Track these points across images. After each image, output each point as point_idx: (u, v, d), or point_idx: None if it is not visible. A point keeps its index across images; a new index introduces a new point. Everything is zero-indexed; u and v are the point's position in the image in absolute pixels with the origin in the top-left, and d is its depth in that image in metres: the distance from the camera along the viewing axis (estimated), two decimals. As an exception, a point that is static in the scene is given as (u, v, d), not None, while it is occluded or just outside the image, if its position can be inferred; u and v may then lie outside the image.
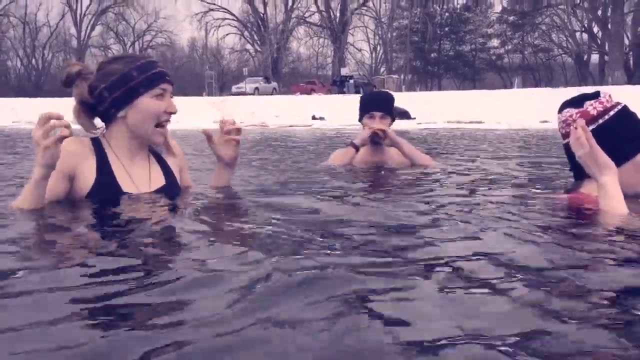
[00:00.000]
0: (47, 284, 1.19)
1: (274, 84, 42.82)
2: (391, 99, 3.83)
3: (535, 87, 37.66)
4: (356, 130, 14.05)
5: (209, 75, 44.22)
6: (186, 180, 2.40)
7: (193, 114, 20.21)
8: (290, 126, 18.45)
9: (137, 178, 2.13)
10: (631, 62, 44.35)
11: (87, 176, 2.03)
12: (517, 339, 0.92)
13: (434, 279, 1.23)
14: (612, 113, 1.92)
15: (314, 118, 21.40)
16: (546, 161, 4.71)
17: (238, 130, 2.31)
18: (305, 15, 55.13)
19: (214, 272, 1.25)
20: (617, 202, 1.75)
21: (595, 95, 1.98)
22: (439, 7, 57.08)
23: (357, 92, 36.21)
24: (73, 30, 57.26)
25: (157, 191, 2.16)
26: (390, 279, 1.22)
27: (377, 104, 3.73)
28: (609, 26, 41.34)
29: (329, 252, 1.44)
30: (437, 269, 1.32)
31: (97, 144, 2.11)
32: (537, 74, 52.59)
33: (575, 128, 1.82)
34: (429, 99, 25.91)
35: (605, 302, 1.09)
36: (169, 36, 60.47)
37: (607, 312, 1.04)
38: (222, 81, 53.47)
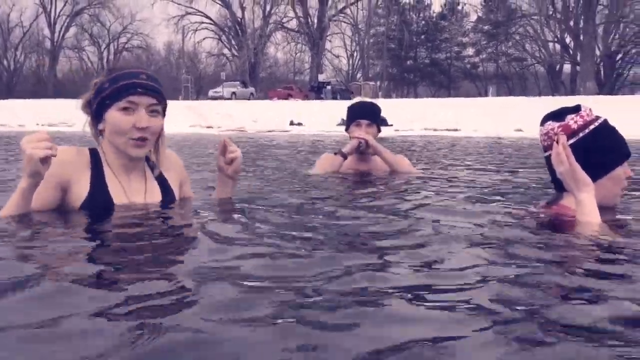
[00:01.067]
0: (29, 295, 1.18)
1: (251, 89, 42.70)
2: (377, 109, 3.92)
3: (509, 96, 38.24)
4: (333, 136, 14.00)
5: (186, 79, 43.90)
6: (186, 192, 2.34)
7: (169, 118, 20.03)
8: (269, 131, 18.43)
9: (132, 192, 2.08)
10: (602, 72, 45.33)
11: (81, 188, 1.99)
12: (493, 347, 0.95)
13: (416, 288, 1.26)
14: (592, 127, 1.98)
15: (291, 124, 21.41)
16: (526, 170, 4.80)
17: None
18: (283, 21, 55.15)
19: (195, 282, 1.25)
20: (593, 219, 1.81)
21: (577, 109, 2.03)
22: (416, 15, 57.70)
23: (334, 98, 36.32)
24: (47, 31, 56.40)
25: (152, 206, 2.10)
26: (380, 280, 1.25)
27: (363, 113, 3.82)
28: (581, 37, 42.23)
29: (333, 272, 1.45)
30: (418, 278, 1.35)
31: (95, 157, 2.07)
32: (511, 83, 53.39)
33: (557, 143, 1.87)
34: (406, 106, 26.13)
35: (582, 309, 1.13)
36: (145, 39, 59.94)
37: (584, 322, 1.07)
38: (199, 85, 53.18)
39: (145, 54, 60.66)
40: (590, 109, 2.04)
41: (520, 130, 18.23)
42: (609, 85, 44.22)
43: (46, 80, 54.71)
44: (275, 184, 3.45)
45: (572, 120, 1.99)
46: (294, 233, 1.77)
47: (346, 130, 3.91)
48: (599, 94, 35.28)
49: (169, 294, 1.17)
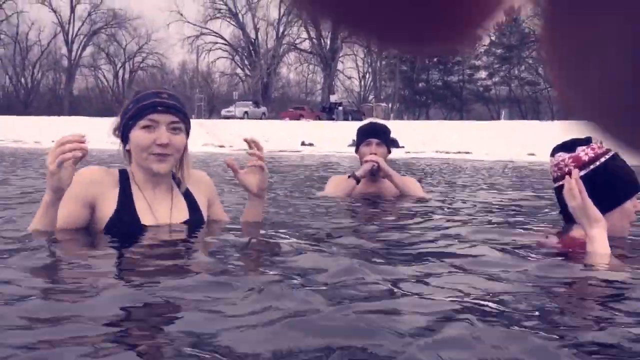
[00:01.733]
0: (49, 310, 1.18)
1: (264, 109, 42.98)
2: (387, 130, 3.90)
3: (522, 120, 38.18)
4: (344, 156, 13.98)
5: (199, 99, 44.32)
6: (217, 213, 2.35)
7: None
8: (280, 151, 18.48)
9: (158, 211, 2.11)
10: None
11: (108, 206, 2.03)
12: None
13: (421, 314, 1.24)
14: (603, 159, 1.96)
15: (303, 144, 21.46)
16: (539, 197, 4.76)
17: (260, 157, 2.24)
18: (296, 42, 55.76)
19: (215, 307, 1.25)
20: (603, 256, 1.79)
21: (587, 141, 2.02)
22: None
23: (345, 119, 36.43)
24: (64, 50, 57.29)
25: (178, 226, 2.13)
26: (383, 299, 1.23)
27: (373, 132, 3.82)
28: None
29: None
30: (424, 305, 1.33)
31: (123, 176, 2.12)
32: (523, 107, 53.32)
33: (570, 176, 1.85)
34: (418, 127, 26.14)
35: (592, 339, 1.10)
36: (160, 58, 60.68)
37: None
38: (212, 104, 53.63)
39: (160, 73, 61.37)
40: (601, 142, 2.02)
41: (532, 154, 18.13)
42: (623, 110, 43.99)
43: (62, 98, 55.47)
44: (287, 205, 3.44)
45: (583, 152, 1.98)
46: (306, 258, 1.76)
47: (356, 151, 3.89)
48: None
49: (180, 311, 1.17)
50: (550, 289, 1.50)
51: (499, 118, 41.48)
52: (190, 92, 54.83)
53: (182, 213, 2.17)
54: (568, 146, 2.03)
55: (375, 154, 3.70)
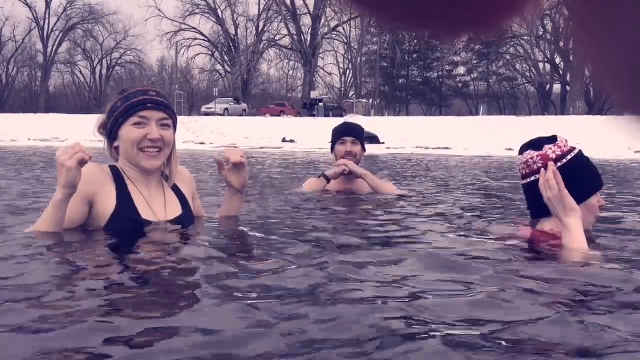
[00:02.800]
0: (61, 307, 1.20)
1: (244, 105, 42.81)
2: (361, 128, 4.01)
3: (500, 115, 38.61)
4: (326, 153, 14.03)
5: (179, 95, 43.99)
6: (198, 208, 2.41)
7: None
8: (261, 148, 18.47)
9: (155, 206, 2.16)
10: (592, 93, 45.87)
11: (108, 203, 2.05)
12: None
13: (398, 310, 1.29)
14: (569, 157, 2.04)
15: (284, 140, 21.47)
16: (513, 191, 4.85)
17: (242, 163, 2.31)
18: (276, 38, 55.54)
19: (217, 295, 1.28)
20: (580, 242, 1.86)
21: (553, 139, 2.10)
22: (408, 34, 58.30)
23: (326, 115, 36.46)
24: (40, 46, 56.38)
25: (174, 221, 2.19)
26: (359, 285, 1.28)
27: (348, 131, 3.93)
28: (571, 58, 42.79)
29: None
30: (399, 299, 1.37)
31: (116, 172, 2.14)
32: (501, 102, 53.88)
33: (546, 170, 1.93)
34: (398, 123, 26.30)
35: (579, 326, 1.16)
36: (138, 54, 60.04)
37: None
38: (192, 101, 53.27)
39: (139, 70, 60.78)
40: (566, 140, 2.11)
41: (510, 149, 18.36)
42: (599, 105, 44.73)
43: (38, 95, 54.63)
44: (268, 203, 3.49)
45: (550, 150, 2.06)
46: (289, 250, 1.80)
47: (332, 151, 4.01)
48: (588, 114, 35.69)
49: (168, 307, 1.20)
50: (525, 279, 1.56)
51: (477, 113, 41.86)
52: (169, 89, 54.39)
53: (176, 208, 2.23)
54: (535, 144, 2.11)
55: (351, 151, 3.82)
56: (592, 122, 22.07)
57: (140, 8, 62.50)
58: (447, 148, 19.58)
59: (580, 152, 2.09)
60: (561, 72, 47.77)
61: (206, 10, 54.63)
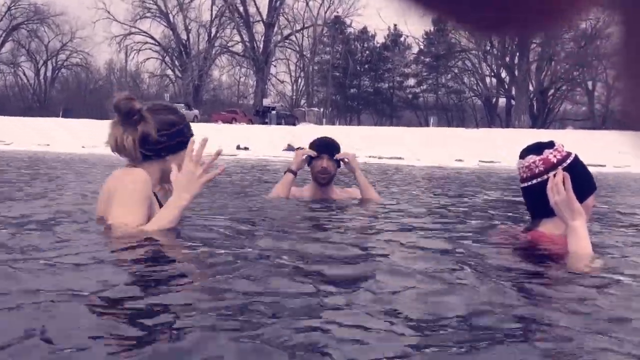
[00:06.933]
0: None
1: (196, 112, 42.30)
2: (338, 145, 4.05)
3: (449, 127, 39.55)
4: (280, 160, 13.95)
5: (127, 99, 43.00)
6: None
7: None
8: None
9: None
10: (535, 107, 47.62)
11: (154, 206, 2.29)
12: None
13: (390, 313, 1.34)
14: (568, 161, 2.17)
15: (238, 148, 21.35)
16: (482, 199, 5.02)
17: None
18: (228, 45, 55.21)
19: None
20: (586, 244, 1.98)
21: (551, 144, 2.22)
22: (360, 45, 59.04)
23: (279, 123, 36.46)
24: (-19, 45, 54.10)
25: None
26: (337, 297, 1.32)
27: (323, 148, 3.96)
28: (516, 73, 44.33)
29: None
30: (397, 303, 1.43)
31: None
32: (450, 114, 55.19)
33: (554, 176, 2.05)
34: (351, 133, 26.55)
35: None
36: (85, 57, 58.45)
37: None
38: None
39: (85, 72, 59.22)
40: (562, 145, 2.23)
41: (460, 160, 18.87)
42: (542, 119, 46.46)
43: (-22, 95, 52.39)
44: (233, 209, 3.47)
45: (551, 155, 2.17)
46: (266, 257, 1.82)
47: (308, 164, 4.02)
48: (532, 127, 37.01)
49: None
50: (522, 278, 1.64)
51: (427, 124, 42.74)
52: (117, 93, 53.04)
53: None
54: (535, 149, 2.22)
55: (326, 167, 3.88)
56: (536, 135, 22.91)
57: (89, 10, 60.87)
58: (400, 158, 19.93)
59: (576, 156, 2.22)
60: (506, 86, 49.39)
61: (157, 14, 53.80)
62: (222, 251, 1.93)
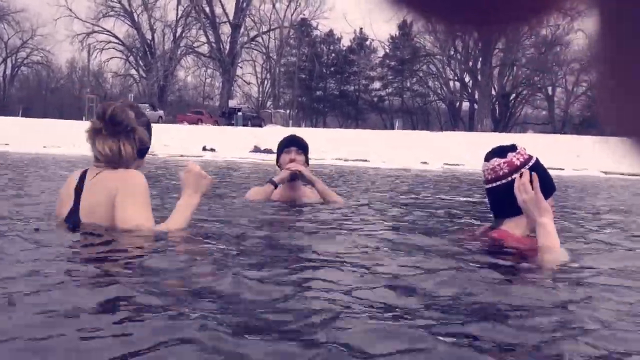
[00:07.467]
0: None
1: (161, 112, 41.77)
2: (306, 143, 4.12)
3: (414, 130, 40.04)
4: (247, 162, 13.90)
5: (90, 99, 42.25)
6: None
7: (71, 139, 19.32)
8: (181, 156, 18.16)
9: None
10: (497, 111, 48.63)
11: None
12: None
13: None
14: (531, 163, 2.30)
15: (204, 149, 21.21)
16: (447, 200, 5.17)
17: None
18: (194, 45, 54.73)
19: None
20: (554, 239, 2.12)
21: (514, 148, 2.35)
22: (326, 47, 59.27)
23: (245, 124, 36.31)
24: None
25: None
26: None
27: (292, 142, 4.03)
28: (479, 77, 45.22)
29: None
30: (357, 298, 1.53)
31: None
32: (414, 117, 55.84)
33: (521, 176, 2.18)
34: (317, 135, 26.64)
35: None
36: (46, 55, 57.07)
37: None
38: (104, 106, 51.09)
39: (46, 71, 57.82)
40: (524, 148, 2.37)
41: (425, 162, 19.16)
42: (504, 123, 47.47)
43: None
44: (207, 212, 3.51)
45: (515, 158, 2.31)
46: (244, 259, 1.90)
47: (277, 162, 4.08)
48: (494, 131, 37.80)
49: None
50: (486, 275, 1.76)
51: (392, 127, 43.17)
52: (79, 92, 52.07)
53: None
54: (499, 152, 2.36)
55: (295, 159, 3.92)
56: (498, 138, 23.41)
57: (50, 7, 59.39)
58: (366, 160, 20.11)
59: (537, 159, 2.36)
60: (470, 90, 50.32)
61: (121, 13, 52.95)
62: (211, 254, 1.99)
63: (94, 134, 2.30)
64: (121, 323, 1.21)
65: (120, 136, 2.30)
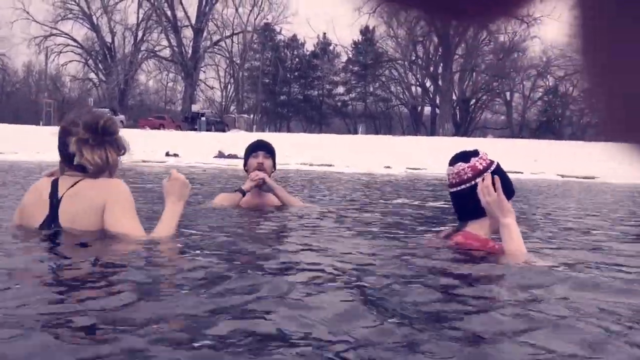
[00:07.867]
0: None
1: (122, 117, 41.05)
2: (273, 148, 4.17)
3: (376, 134, 40.45)
4: (211, 167, 13.81)
5: (47, 104, 41.31)
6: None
7: (29, 145, 18.87)
8: (144, 161, 17.91)
9: None
10: (458, 116, 49.56)
11: None
12: None
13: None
14: (493, 167, 2.39)
15: (167, 155, 20.97)
16: (411, 204, 5.26)
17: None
18: (155, 49, 54.11)
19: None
20: (518, 238, 2.22)
21: (476, 153, 2.44)
22: (290, 52, 59.40)
23: (208, 129, 36.07)
24: None
25: None
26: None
27: (259, 146, 4.09)
28: (440, 82, 46.02)
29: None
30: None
31: None
32: (377, 122, 56.39)
33: (483, 180, 2.26)
34: (282, 139, 26.65)
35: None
36: (1, 58, 55.50)
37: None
38: (62, 110, 50.10)
39: (2, 74, 56.23)
40: (486, 153, 2.45)
41: (389, 167, 19.38)
42: (464, 127, 48.39)
43: None
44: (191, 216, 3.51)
45: (478, 162, 2.39)
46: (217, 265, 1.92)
47: (244, 166, 4.12)
48: (455, 135, 38.51)
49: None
50: (456, 281, 1.82)
51: (356, 132, 43.49)
52: (36, 96, 50.83)
53: None
54: (462, 157, 2.44)
55: (262, 163, 3.96)
56: (459, 143, 23.85)
57: (6, 9, 57.77)
58: (330, 165, 20.21)
59: (498, 163, 2.46)
60: (431, 95, 51.16)
61: (80, 16, 52.02)
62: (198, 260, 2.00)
63: (81, 145, 2.28)
64: (93, 328, 1.22)
65: (106, 145, 2.32)
